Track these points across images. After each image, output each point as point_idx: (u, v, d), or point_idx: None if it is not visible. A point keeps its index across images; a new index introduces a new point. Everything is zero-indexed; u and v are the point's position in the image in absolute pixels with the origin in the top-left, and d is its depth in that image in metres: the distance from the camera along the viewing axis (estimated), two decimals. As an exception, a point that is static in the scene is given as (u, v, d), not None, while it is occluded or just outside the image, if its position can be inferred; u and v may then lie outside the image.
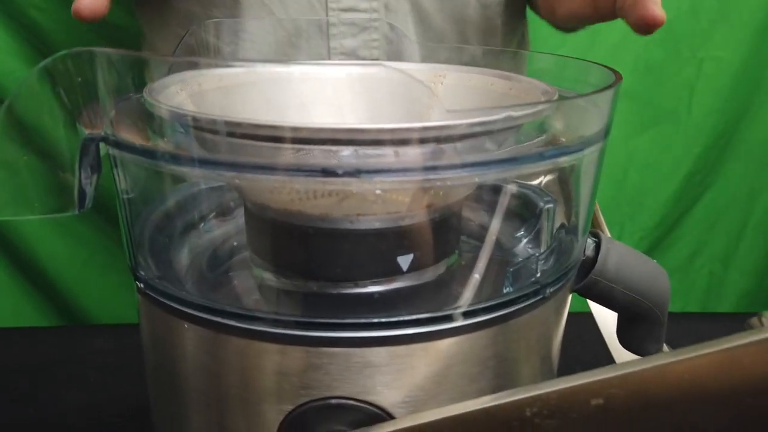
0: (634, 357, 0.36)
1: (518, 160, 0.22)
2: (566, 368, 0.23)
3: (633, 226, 1.07)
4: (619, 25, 1.11)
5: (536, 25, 0.66)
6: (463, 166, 0.21)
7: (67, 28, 0.83)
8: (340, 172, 0.20)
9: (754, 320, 0.24)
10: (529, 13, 0.62)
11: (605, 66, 0.29)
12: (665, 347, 0.36)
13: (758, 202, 1.08)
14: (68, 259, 0.93)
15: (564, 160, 0.24)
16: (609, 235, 0.35)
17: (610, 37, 0.97)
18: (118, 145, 0.23)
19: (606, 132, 0.27)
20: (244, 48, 0.47)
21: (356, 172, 0.20)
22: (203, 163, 0.22)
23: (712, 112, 1.02)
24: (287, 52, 0.48)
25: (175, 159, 0.22)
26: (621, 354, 0.37)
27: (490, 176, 0.23)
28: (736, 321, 0.20)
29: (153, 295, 0.25)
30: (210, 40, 0.39)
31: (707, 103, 1.01)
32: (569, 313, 0.31)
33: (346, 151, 0.21)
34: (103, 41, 0.83)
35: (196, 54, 0.36)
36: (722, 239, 1.10)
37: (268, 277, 0.28)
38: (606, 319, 0.39)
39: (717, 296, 1.12)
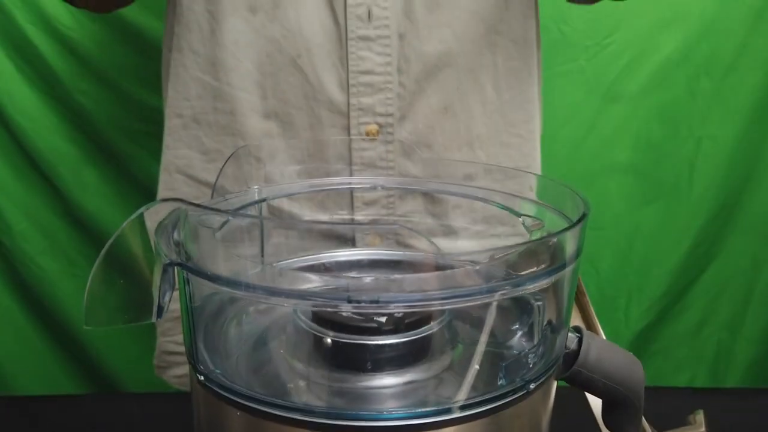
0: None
1: (500, 285, 0.29)
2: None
3: (640, 295, 1.09)
4: (620, 106, 1.14)
5: (547, 101, 0.72)
6: (464, 294, 0.27)
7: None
8: (364, 299, 0.26)
9: (691, 417, 0.28)
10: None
11: (578, 194, 0.35)
12: (646, 425, 0.40)
13: (762, 273, 1.10)
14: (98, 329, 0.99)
15: (547, 282, 0.30)
16: (603, 334, 0.40)
17: (612, 117, 1.01)
18: (190, 269, 0.30)
19: (578, 252, 0.33)
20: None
21: (375, 302, 0.26)
22: (255, 288, 0.28)
23: (712, 186, 1.05)
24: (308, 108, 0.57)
25: (233, 284, 0.28)
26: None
27: (485, 299, 0.29)
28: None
29: (210, 386, 0.31)
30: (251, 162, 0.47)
31: (707, 178, 1.05)
32: (564, 387, 0.36)
33: (368, 279, 0.27)
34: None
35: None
36: (729, 309, 1.11)
37: (301, 371, 0.34)
38: (596, 398, 0.44)
39: (725, 365, 1.12)
